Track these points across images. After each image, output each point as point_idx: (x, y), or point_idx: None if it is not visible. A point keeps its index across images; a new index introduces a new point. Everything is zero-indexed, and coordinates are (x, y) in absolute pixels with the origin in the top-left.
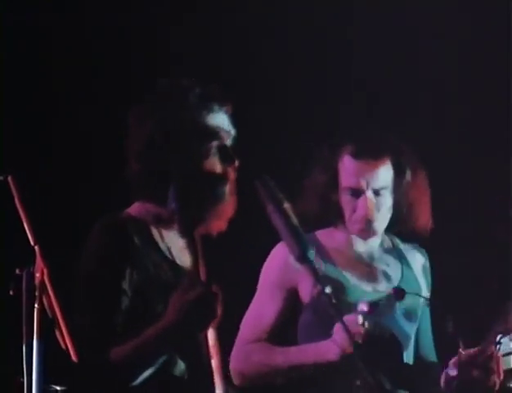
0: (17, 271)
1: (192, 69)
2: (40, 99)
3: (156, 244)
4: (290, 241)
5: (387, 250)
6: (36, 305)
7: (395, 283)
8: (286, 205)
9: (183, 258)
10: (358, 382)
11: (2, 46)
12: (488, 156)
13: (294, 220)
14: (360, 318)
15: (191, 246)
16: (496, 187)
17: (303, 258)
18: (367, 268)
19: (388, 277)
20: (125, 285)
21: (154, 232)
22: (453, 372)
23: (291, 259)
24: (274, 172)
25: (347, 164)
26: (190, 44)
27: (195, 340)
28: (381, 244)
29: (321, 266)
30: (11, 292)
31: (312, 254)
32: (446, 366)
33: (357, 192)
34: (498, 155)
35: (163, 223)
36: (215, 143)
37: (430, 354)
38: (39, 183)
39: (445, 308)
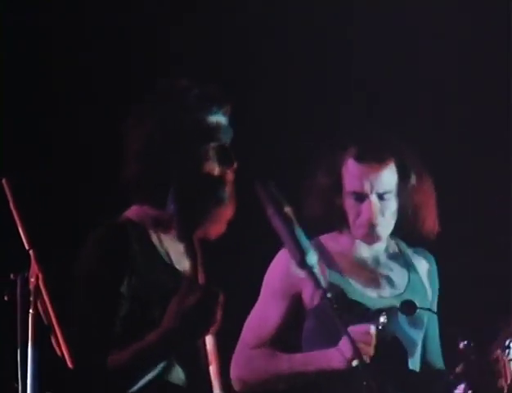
0: (11, 276)
1: (192, 69)
2: (39, 99)
3: (155, 248)
4: (291, 245)
5: (393, 256)
6: (31, 311)
7: (401, 289)
8: (287, 209)
9: (182, 262)
10: (365, 382)
11: (2, 46)
12: (488, 156)
13: (295, 224)
14: (372, 329)
15: (190, 250)
16: (496, 187)
17: (303, 262)
18: (372, 274)
19: (393, 282)
20: (123, 290)
21: (153, 235)
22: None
23: (294, 265)
24: (274, 174)
25: (351, 168)
26: (190, 44)
27: (193, 346)
28: (386, 249)
29: (326, 273)
30: (5, 298)
31: (313, 258)
32: (453, 374)
33: (361, 196)
34: (498, 155)
35: (162, 226)
36: (214, 145)
37: (437, 361)
38: (34, 186)
39: (451, 313)
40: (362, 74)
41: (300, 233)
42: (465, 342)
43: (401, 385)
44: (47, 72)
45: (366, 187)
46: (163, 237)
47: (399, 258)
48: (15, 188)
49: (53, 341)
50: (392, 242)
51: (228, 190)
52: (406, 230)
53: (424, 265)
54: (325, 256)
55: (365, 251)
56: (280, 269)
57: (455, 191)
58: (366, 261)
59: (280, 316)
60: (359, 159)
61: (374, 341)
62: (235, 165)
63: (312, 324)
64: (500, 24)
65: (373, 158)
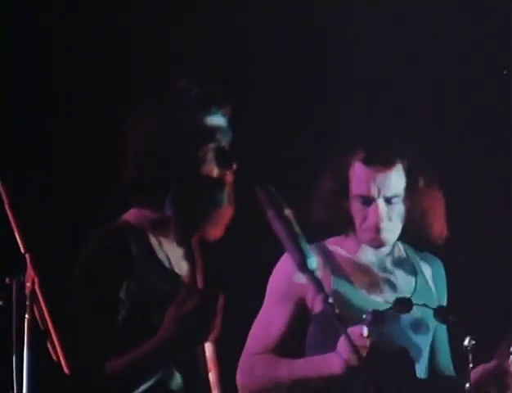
0: (7, 280)
1: (192, 69)
2: (39, 99)
3: (154, 252)
4: (291, 249)
5: (400, 260)
6: (26, 316)
7: (408, 295)
8: (287, 212)
9: (182, 266)
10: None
11: (2, 46)
12: (488, 156)
13: (296, 227)
14: (365, 330)
15: (189, 253)
16: (496, 187)
17: (304, 266)
18: (378, 279)
19: (399, 288)
20: (122, 294)
21: (152, 239)
22: None
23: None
24: (274, 176)
25: (358, 171)
26: (190, 44)
27: (192, 353)
28: (393, 254)
29: (330, 279)
30: (0, 302)
31: (314, 261)
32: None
33: (368, 200)
34: (498, 155)
35: (161, 229)
36: (213, 146)
37: (446, 367)
38: (31, 188)
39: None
40: (362, 75)
41: (301, 237)
42: (470, 340)
43: None
44: (46, 72)
45: (373, 191)
46: (163, 240)
47: (406, 263)
48: (10, 190)
49: (49, 346)
50: (400, 247)
51: (227, 192)
52: (413, 235)
53: (431, 271)
54: (330, 261)
55: (371, 256)
56: (283, 275)
57: (455, 191)
58: (372, 266)
59: (284, 322)
60: (367, 162)
61: (367, 343)
62: (235, 167)
63: (316, 330)
64: (500, 24)
65: (381, 161)
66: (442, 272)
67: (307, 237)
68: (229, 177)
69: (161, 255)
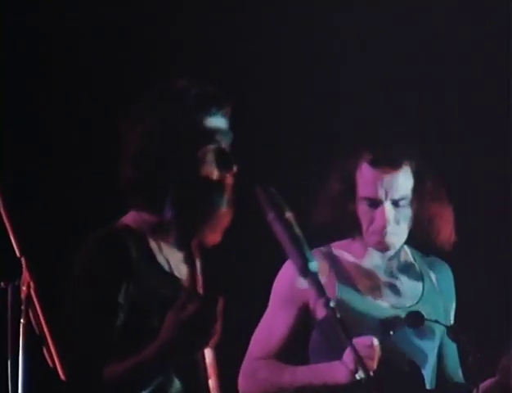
0: (2, 284)
1: (192, 69)
2: (38, 100)
3: (154, 256)
4: (292, 252)
5: (406, 265)
6: (22, 321)
7: (414, 300)
8: (288, 214)
9: (182, 270)
10: None
11: (2, 46)
12: (488, 156)
13: (297, 230)
14: (374, 341)
15: (189, 257)
16: (496, 187)
17: (306, 269)
18: (384, 283)
19: (406, 293)
20: (121, 299)
21: (152, 242)
22: None
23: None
24: (275, 178)
25: (365, 173)
26: (190, 44)
27: (192, 358)
28: (400, 258)
29: (335, 286)
30: None
31: (315, 265)
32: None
33: (375, 203)
34: (498, 155)
35: (161, 233)
36: (212, 147)
37: (455, 374)
38: (26, 190)
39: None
40: (363, 75)
41: (302, 240)
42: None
43: None
44: (46, 72)
45: (381, 193)
46: (163, 243)
47: (413, 267)
48: (5, 192)
49: (45, 352)
50: (406, 251)
51: (227, 196)
52: (420, 239)
53: (439, 276)
54: (336, 266)
55: (377, 260)
56: (287, 280)
57: (455, 191)
58: (378, 270)
59: (287, 327)
60: (374, 163)
61: (377, 355)
62: (235, 169)
63: (319, 335)
64: (500, 24)
65: (388, 162)
66: (451, 277)
67: (312, 240)
68: (229, 179)
69: (161, 259)
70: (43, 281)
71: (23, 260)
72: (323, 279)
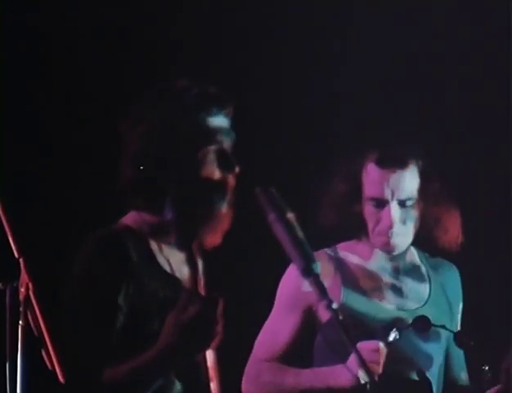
0: (0, 286)
1: (192, 69)
2: (37, 100)
3: (154, 257)
4: (294, 253)
5: (413, 266)
6: (20, 322)
7: (421, 302)
8: (289, 215)
9: (184, 271)
10: None
11: (2, 46)
12: (488, 156)
13: (299, 231)
14: (381, 345)
15: (190, 258)
16: (496, 187)
17: (308, 270)
18: (391, 285)
19: (413, 295)
20: (121, 300)
21: (153, 243)
22: None
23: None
24: (276, 179)
25: (371, 173)
26: (190, 44)
27: (193, 360)
28: (406, 259)
29: (340, 289)
30: None
31: (317, 267)
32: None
33: (382, 203)
34: (498, 155)
35: (162, 234)
36: (214, 148)
37: (461, 377)
38: (26, 190)
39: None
40: (363, 75)
41: (304, 241)
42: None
43: None
44: (46, 72)
45: (387, 193)
46: (163, 244)
47: (419, 269)
48: (4, 193)
49: (44, 354)
50: (413, 252)
51: (228, 198)
52: (427, 240)
53: (446, 277)
54: (341, 268)
55: (383, 261)
56: (291, 282)
57: (455, 191)
58: (384, 272)
59: (291, 330)
60: (380, 163)
61: (383, 359)
62: (237, 170)
63: (323, 339)
64: (500, 24)
65: (394, 161)
66: (458, 278)
67: (318, 241)
68: (231, 180)
69: (161, 260)
70: (42, 282)
71: (21, 261)
72: (328, 282)
